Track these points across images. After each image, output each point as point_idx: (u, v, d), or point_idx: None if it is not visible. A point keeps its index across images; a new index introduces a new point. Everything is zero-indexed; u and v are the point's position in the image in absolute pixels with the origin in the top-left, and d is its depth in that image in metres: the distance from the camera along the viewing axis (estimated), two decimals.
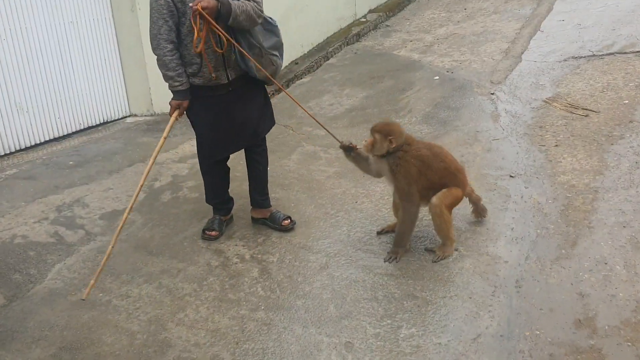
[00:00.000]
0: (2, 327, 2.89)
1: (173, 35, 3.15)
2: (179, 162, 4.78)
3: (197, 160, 4.73)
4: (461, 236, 3.48)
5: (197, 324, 2.86)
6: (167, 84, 3.26)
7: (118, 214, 3.95)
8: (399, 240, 3.31)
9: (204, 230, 3.65)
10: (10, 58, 4.89)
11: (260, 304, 2.99)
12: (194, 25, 3.04)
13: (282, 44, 3.44)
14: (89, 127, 5.63)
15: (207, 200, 3.75)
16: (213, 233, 3.62)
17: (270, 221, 3.69)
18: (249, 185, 3.74)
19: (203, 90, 3.29)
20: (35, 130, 5.16)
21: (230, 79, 3.31)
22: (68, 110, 5.40)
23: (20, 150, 5.07)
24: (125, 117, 5.93)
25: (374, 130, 3.20)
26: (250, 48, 3.25)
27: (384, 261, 3.26)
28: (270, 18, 3.36)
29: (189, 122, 3.60)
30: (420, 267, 3.22)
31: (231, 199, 3.79)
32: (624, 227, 3.37)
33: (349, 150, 3.41)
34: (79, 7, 5.37)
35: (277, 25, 3.39)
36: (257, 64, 3.25)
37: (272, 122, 3.68)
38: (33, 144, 5.16)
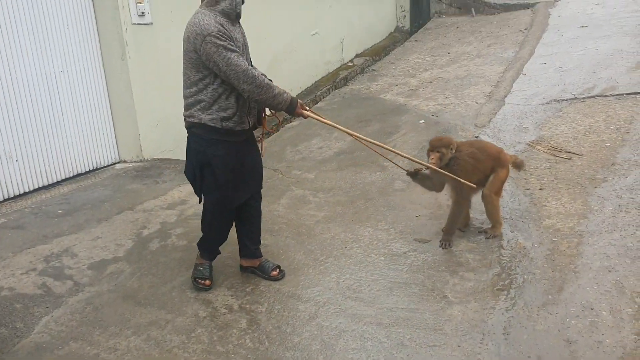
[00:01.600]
0: None
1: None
2: (167, 209, 4.79)
3: (185, 207, 4.80)
4: (449, 282, 3.51)
5: None
6: (277, 106, 3.32)
7: (107, 263, 3.94)
8: (450, 227, 3.95)
9: (195, 279, 3.62)
10: (0, 107, 4.93)
11: (249, 356, 2.97)
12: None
13: None
14: (78, 175, 5.64)
15: (207, 248, 3.68)
16: (207, 282, 3.59)
17: (259, 270, 3.70)
18: (241, 233, 3.73)
19: (232, 135, 3.36)
20: (24, 179, 5.17)
21: (250, 125, 3.46)
22: (58, 157, 5.42)
23: (9, 199, 5.06)
24: (115, 163, 5.96)
25: (439, 147, 3.83)
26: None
27: (440, 247, 3.91)
28: None
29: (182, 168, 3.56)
30: (409, 315, 3.22)
31: None
32: (609, 271, 3.41)
33: (415, 175, 4.04)
34: (70, 56, 5.45)
35: None
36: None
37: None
38: (22, 192, 5.15)
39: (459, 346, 2.94)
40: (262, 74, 3.28)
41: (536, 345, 2.89)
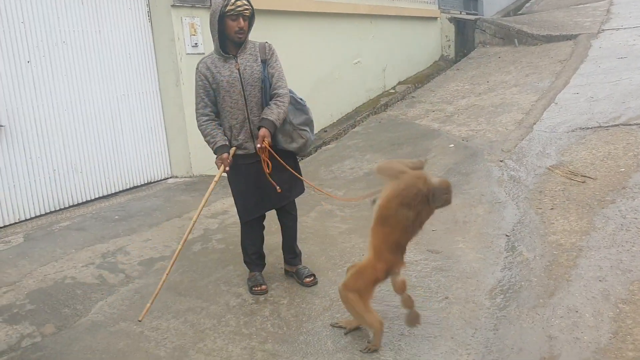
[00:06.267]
0: (52, 350, 3.42)
1: (208, 109, 3.79)
2: (210, 217, 5.36)
3: (225, 216, 5.36)
4: (452, 286, 3.89)
5: (214, 352, 3.33)
6: (209, 148, 3.81)
7: (155, 261, 4.51)
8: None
9: (251, 288, 3.97)
10: (70, 125, 5.67)
11: (268, 338, 3.45)
12: (265, 159, 3.65)
13: (311, 121, 3.91)
14: (134, 187, 6.32)
15: (245, 259, 4.10)
16: (263, 287, 3.98)
17: (296, 275, 4.14)
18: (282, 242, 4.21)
19: (238, 158, 3.81)
20: (87, 189, 5.87)
21: (256, 149, 3.70)
22: (116, 171, 6.12)
23: (74, 205, 5.76)
24: (167, 178, 6.62)
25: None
26: (282, 124, 3.77)
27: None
28: (301, 99, 3.91)
29: (226, 183, 4.09)
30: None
31: (264, 255, 4.20)
32: (599, 281, 3.73)
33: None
34: (131, 82, 6.18)
35: (305, 104, 3.89)
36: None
37: (302, 189, 4.02)
38: (85, 200, 5.85)
39: (452, 338, 3.33)
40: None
41: (521, 339, 3.24)
